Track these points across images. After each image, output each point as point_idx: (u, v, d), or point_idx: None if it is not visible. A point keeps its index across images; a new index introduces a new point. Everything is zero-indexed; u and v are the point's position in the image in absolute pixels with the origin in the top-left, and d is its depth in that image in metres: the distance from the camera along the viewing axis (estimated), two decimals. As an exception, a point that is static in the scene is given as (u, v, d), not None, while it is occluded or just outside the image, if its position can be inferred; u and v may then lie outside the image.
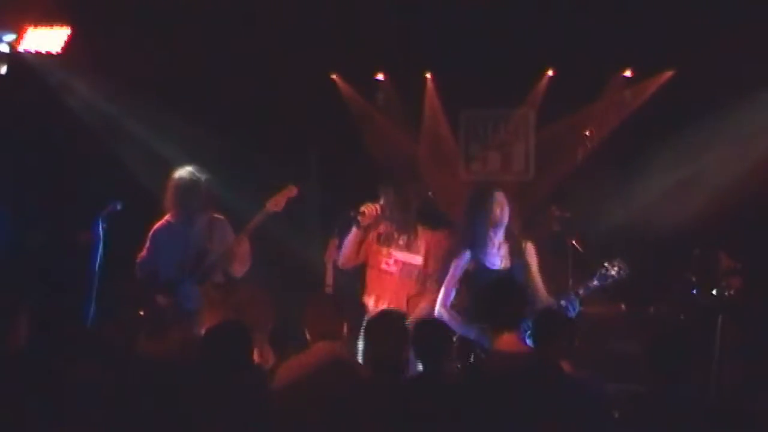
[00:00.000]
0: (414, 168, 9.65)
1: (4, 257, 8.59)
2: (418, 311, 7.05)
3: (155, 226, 7.53)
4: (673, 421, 4.76)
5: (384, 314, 5.83)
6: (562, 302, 6.77)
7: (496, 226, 6.92)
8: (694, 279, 7.99)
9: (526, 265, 6.94)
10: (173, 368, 5.37)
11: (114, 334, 5.79)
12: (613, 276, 6.83)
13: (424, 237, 7.34)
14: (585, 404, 5.05)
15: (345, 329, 5.71)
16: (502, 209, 6.92)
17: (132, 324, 6.16)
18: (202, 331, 5.71)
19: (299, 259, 8.76)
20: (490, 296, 5.75)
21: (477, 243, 6.92)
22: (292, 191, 7.38)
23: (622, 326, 8.26)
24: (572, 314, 6.72)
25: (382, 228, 7.41)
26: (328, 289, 7.41)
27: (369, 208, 7.32)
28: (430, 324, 5.61)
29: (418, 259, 7.30)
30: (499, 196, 6.95)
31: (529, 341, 5.80)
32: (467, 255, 6.93)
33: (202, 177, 7.47)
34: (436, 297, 6.82)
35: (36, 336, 5.49)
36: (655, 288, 8.43)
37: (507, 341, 5.50)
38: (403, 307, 7.05)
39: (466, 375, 5.69)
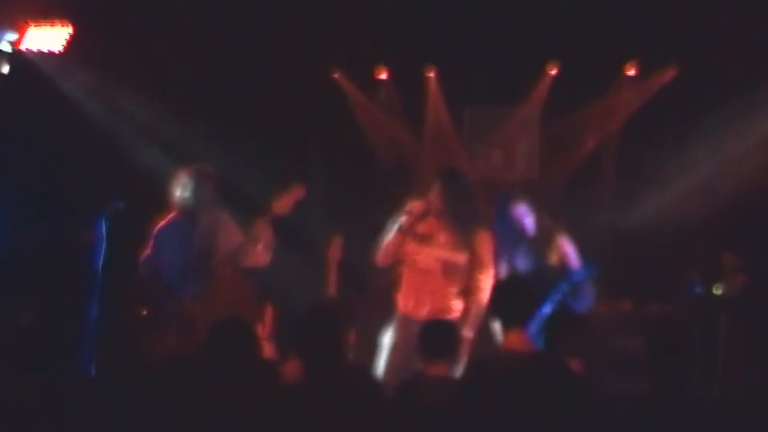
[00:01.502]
0: (417, 166, 9.66)
1: (5, 257, 8.58)
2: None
3: (159, 225, 7.51)
4: (677, 419, 4.74)
5: None
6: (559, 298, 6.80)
7: (523, 233, 7.02)
8: (697, 277, 7.99)
9: (559, 260, 7.03)
10: (174, 365, 5.37)
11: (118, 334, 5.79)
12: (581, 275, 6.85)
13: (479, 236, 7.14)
14: (591, 403, 5.04)
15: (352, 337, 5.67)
16: (524, 221, 6.97)
17: (134, 323, 6.17)
18: (205, 329, 5.70)
19: (301, 259, 8.75)
20: (499, 295, 5.74)
21: (505, 249, 7.08)
22: (299, 192, 7.21)
23: (626, 324, 8.25)
24: (585, 306, 6.82)
25: (421, 227, 7.21)
26: (331, 289, 7.38)
27: (416, 206, 7.16)
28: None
29: (460, 257, 7.11)
30: (518, 210, 6.99)
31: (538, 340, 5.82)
32: (500, 259, 7.13)
33: (209, 174, 7.42)
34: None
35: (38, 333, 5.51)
36: (658, 286, 8.43)
37: (516, 340, 5.48)
38: (447, 307, 6.98)
39: (472, 373, 5.67)
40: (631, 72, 9.33)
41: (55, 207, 8.91)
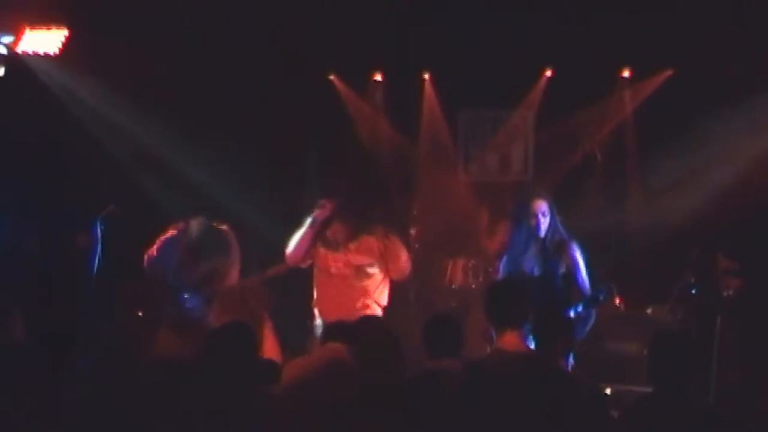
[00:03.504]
0: (412, 169, 9.67)
1: (2, 259, 8.57)
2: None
3: (168, 234, 7.55)
4: (672, 421, 4.75)
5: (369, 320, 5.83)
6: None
7: (534, 232, 7.01)
8: (692, 279, 8.00)
9: (567, 268, 7.03)
10: (175, 369, 5.37)
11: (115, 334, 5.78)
12: (599, 300, 6.83)
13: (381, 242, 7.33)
14: (583, 404, 5.05)
15: None
16: (540, 218, 6.99)
17: (131, 324, 6.16)
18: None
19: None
20: (494, 296, 5.75)
21: (514, 249, 7.11)
22: (285, 266, 7.44)
23: (621, 327, 8.26)
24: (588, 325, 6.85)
25: (330, 232, 7.36)
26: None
27: (326, 207, 7.29)
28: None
29: (366, 260, 7.27)
30: (539, 205, 7.01)
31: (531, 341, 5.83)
32: (504, 260, 7.17)
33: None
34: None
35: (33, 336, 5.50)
36: (653, 288, 8.44)
37: (509, 341, 5.49)
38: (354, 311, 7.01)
39: (467, 374, 5.68)
40: (626, 75, 9.35)
41: (51, 209, 8.91)
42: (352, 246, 7.30)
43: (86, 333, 6.62)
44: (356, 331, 5.43)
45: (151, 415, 4.83)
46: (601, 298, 6.66)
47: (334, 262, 7.30)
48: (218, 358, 4.95)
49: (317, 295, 7.43)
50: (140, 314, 7.01)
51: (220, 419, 4.76)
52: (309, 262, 7.44)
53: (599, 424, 5.00)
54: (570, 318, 6.43)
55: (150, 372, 5.25)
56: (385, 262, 7.29)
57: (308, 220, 7.26)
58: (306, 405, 5.02)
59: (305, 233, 7.28)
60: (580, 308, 6.78)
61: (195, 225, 7.48)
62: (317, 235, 7.31)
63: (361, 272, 7.28)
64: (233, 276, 7.46)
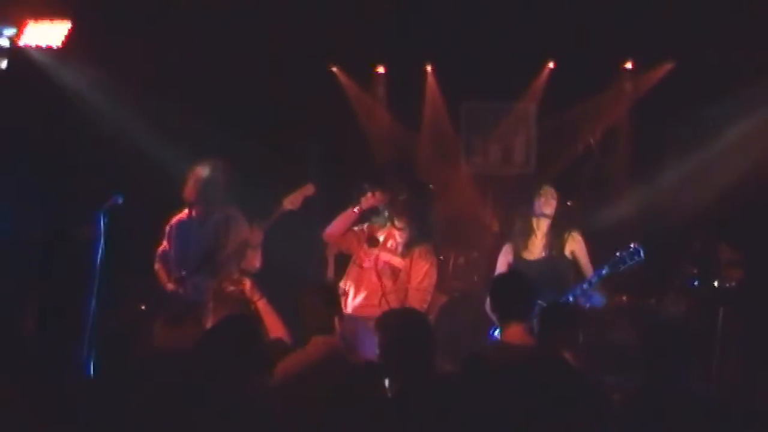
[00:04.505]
0: (414, 161, 9.67)
1: (5, 251, 8.59)
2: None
3: (172, 220, 7.57)
4: (673, 413, 4.76)
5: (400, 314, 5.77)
6: (572, 295, 6.82)
7: (538, 218, 7.02)
8: (695, 271, 8.00)
9: (571, 256, 7.10)
10: (174, 361, 5.38)
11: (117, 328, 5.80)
12: (626, 262, 6.82)
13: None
14: (586, 396, 5.06)
15: (337, 323, 5.66)
16: (545, 202, 6.99)
17: (134, 318, 6.18)
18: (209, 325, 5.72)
19: (299, 254, 8.75)
20: (499, 289, 5.76)
21: (518, 235, 7.15)
22: (310, 190, 7.33)
23: (624, 318, 8.27)
24: (595, 304, 6.83)
25: (369, 230, 7.32)
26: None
27: (376, 197, 7.22)
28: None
29: (398, 261, 7.20)
30: (547, 191, 7.01)
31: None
32: (508, 247, 7.21)
33: (224, 171, 7.48)
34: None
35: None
36: (656, 280, 8.44)
37: (514, 333, 5.51)
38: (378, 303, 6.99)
39: (470, 367, 5.69)
40: (628, 66, 9.34)
41: (54, 202, 8.92)
42: (389, 246, 7.25)
43: (89, 325, 6.67)
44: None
45: (151, 407, 4.85)
46: (627, 258, 6.70)
47: (367, 256, 7.25)
48: (220, 354, 4.97)
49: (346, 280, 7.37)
50: (143, 307, 7.06)
51: (218, 413, 4.77)
52: (342, 248, 7.42)
53: (602, 416, 5.01)
54: (573, 310, 6.42)
55: (150, 364, 5.27)
56: (408, 274, 7.20)
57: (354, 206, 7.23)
58: (302, 398, 5.03)
59: (346, 215, 7.23)
60: (585, 285, 6.82)
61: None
62: (356, 221, 7.28)
63: (390, 271, 7.20)
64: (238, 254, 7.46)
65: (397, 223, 7.22)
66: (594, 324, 7.30)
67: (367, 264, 7.21)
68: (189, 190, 7.43)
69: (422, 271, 7.12)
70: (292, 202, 7.27)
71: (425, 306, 7.09)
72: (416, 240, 7.15)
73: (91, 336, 6.67)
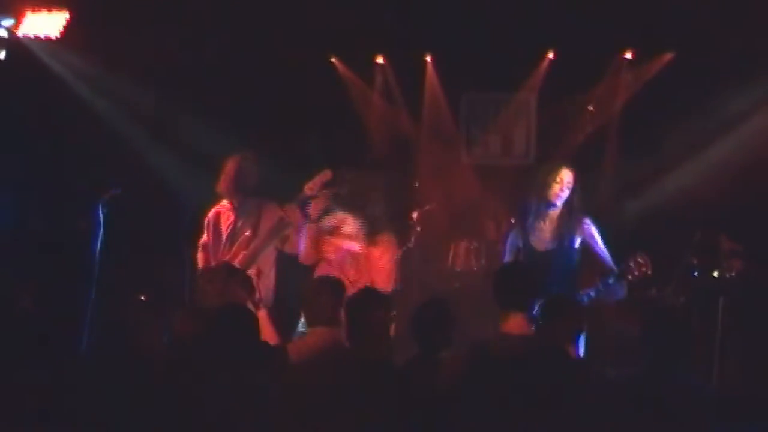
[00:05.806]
0: (414, 152, 9.66)
1: (6, 242, 8.60)
2: None
3: (210, 212, 7.71)
4: (673, 403, 4.75)
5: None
6: (595, 291, 6.79)
7: (549, 203, 6.95)
8: (695, 261, 7.99)
9: (583, 244, 7.01)
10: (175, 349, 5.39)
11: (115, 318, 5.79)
12: (633, 274, 6.80)
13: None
14: (587, 387, 5.05)
15: (342, 315, 5.66)
16: (560, 190, 6.94)
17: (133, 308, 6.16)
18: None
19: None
20: (501, 279, 5.75)
21: (526, 219, 7.02)
22: (327, 175, 7.46)
23: (623, 309, 8.25)
24: (620, 297, 6.83)
25: (328, 220, 7.57)
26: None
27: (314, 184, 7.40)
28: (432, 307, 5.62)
29: (357, 246, 7.48)
30: (564, 174, 6.96)
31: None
32: (515, 233, 7.10)
33: (254, 161, 7.63)
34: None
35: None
36: (656, 271, 8.42)
37: (514, 324, 5.50)
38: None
39: (471, 356, 5.69)
40: (628, 56, 9.32)
41: (53, 192, 8.92)
42: (345, 232, 7.51)
43: (88, 315, 6.67)
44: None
45: (152, 397, 4.84)
46: (633, 269, 6.68)
47: (331, 247, 7.51)
48: (221, 339, 4.97)
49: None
50: (143, 297, 7.04)
51: (221, 402, 4.77)
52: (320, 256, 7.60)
53: (602, 407, 5.01)
54: (574, 301, 6.40)
55: (151, 354, 5.26)
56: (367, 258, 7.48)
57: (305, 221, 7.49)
58: (304, 388, 5.02)
59: (300, 231, 7.51)
60: (610, 280, 6.79)
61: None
62: (315, 232, 7.53)
63: (351, 258, 7.48)
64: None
65: (340, 213, 7.51)
66: (593, 315, 7.28)
67: (332, 255, 7.49)
68: (223, 182, 7.59)
69: (380, 253, 7.45)
70: (311, 188, 7.39)
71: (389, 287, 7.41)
72: (375, 228, 7.48)
73: (90, 325, 6.69)
